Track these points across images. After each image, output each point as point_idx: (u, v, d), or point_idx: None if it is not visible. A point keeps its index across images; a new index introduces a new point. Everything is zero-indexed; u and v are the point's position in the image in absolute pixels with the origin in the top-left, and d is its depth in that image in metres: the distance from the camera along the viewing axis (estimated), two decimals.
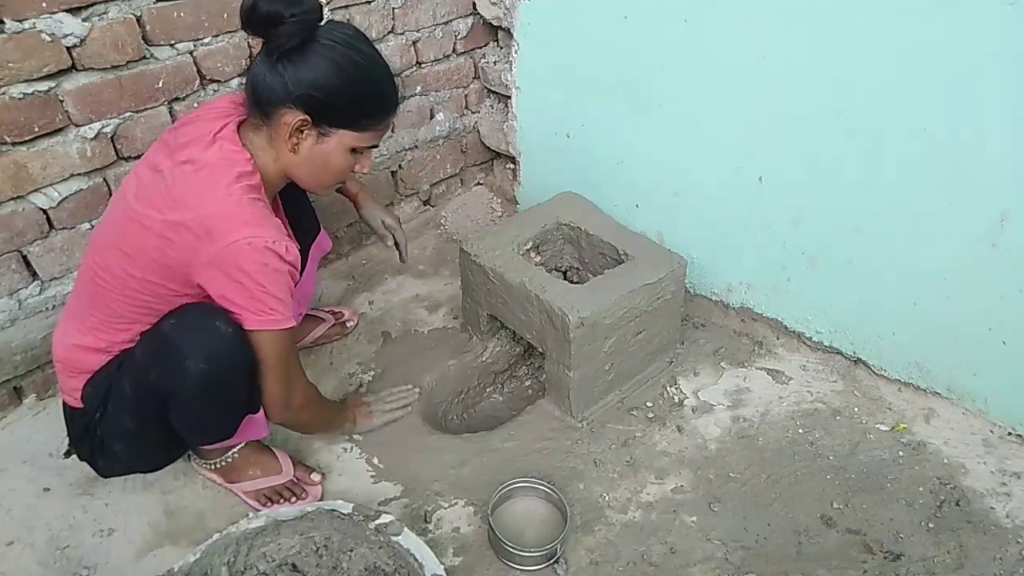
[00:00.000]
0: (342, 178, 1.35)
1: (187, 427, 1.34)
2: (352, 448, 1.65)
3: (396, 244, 1.77)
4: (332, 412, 1.62)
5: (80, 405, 1.35)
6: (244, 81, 1.27)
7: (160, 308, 1.26)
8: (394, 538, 1.30)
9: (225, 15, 1.70)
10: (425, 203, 2.46)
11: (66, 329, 1.35)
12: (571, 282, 1.87)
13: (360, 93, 1.24)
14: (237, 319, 1.22)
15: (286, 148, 1.25)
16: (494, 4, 2.19)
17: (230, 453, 1.51)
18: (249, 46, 1.77)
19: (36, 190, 1.57)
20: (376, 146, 1.34)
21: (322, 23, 1.21)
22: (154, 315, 1.27)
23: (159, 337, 1.25)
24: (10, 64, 1.42)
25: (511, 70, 2.23)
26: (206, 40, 1.70)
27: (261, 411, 1.39)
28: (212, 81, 1.75)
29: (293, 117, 1.21)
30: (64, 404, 1.40)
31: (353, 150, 1.29)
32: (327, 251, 1.86)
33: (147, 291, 1.24)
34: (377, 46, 2.00)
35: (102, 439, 1.36)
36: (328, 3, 1.88)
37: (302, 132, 1.23)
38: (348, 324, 1.98)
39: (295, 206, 1.55)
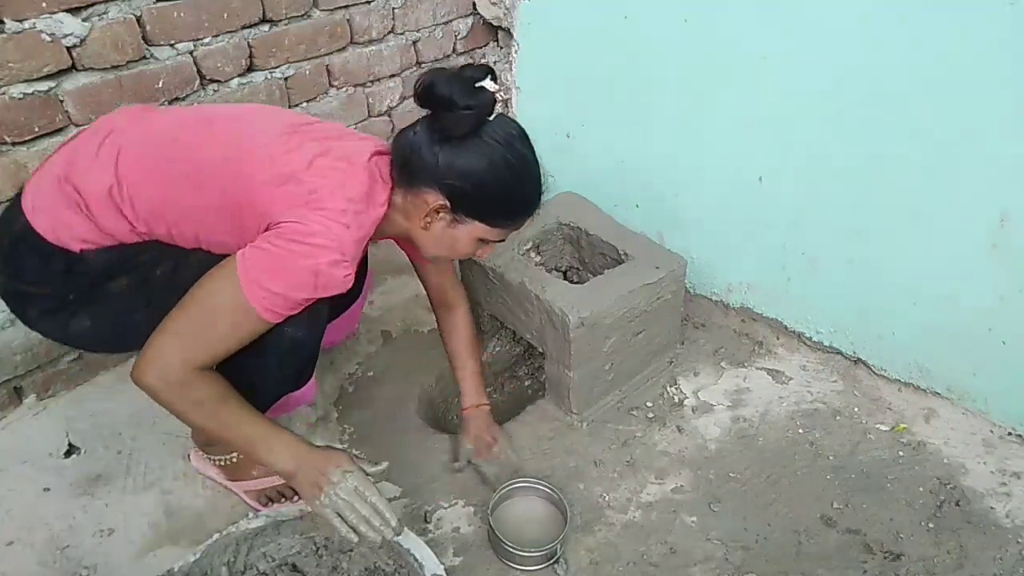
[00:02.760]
0: (460, 259, 1.38)
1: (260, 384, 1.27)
2: (352, 448, 1.65)
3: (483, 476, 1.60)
4: (249, 429, 1.16)
5: (77, 251, 1.19)
6: (391, 141, 1.26)
7: (191, 230, 1.19)
8: (394, 538, 1.29)
9: (225, 15, 1.69)
10: None
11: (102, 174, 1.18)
12: (571, 282, 1.87)
13: (505, 194, 1.24)
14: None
15: (418, 221, 1.25)
16: (494, 4, 2.19)
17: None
18: (249, 46, 1.77)
19: None
20: (503, 240, 1.32)
21: (491, 118, 1.19)
22: (185, 227, 1.19)
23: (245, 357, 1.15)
24: (10, 64, 1.42)
25: (511, 70, 2.23)
26: (206, 40, 1.69)
27: (303, 389, 1.39)
28: (212, 81, 1.75)
29: (435, 199, 1.20)
30: (37, 232, 1.18)
31: (480, 240, 1.29)
32: (351, 333, 1.89)
33: (199, 202, 1.16)
34: (377, 46, 2.06)
35: (77, 303, 1.23)
36: (325, 3, 1.88)
37: (438, 213, 1.23)
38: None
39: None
